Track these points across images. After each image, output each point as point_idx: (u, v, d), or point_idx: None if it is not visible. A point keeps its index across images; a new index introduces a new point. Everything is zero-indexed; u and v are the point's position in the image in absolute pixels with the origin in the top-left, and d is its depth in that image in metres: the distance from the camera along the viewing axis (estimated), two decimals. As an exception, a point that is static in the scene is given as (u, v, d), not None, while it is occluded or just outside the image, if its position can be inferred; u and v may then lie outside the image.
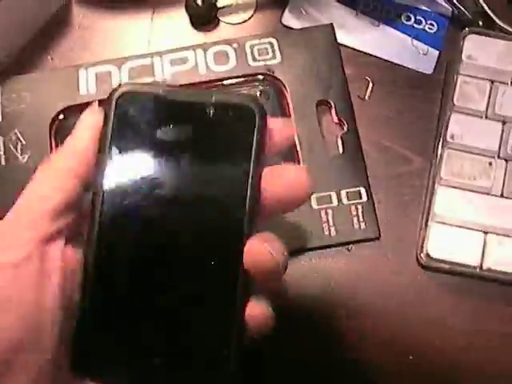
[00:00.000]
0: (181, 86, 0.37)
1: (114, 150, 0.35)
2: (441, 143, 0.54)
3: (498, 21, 0.57)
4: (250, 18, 0.59)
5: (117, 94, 0.35)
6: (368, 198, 0.53)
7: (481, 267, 0.52)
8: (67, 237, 0.36)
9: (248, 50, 0.56)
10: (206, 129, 0.35)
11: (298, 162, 0.53)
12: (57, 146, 0.54)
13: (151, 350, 0.35)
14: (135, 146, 0.35)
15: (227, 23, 0.59)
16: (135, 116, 0.35)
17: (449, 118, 0.54)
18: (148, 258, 0.35)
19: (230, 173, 0.35)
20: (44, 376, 0.34)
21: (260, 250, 0.34)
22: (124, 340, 0.35)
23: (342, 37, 0.58)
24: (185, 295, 0.35)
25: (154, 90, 0.35)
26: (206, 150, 0.35)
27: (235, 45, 0.56)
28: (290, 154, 0.53)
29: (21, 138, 0.54)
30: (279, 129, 0.37)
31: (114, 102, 0.35)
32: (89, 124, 0.37)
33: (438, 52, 0.58)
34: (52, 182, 0.36)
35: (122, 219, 0.35)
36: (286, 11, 0.59)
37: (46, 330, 0.34)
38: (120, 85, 0.36)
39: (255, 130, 0.35)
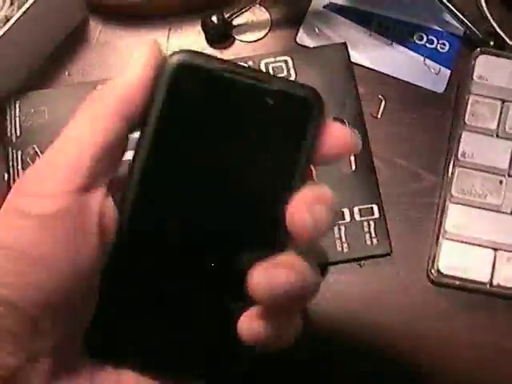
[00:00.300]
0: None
1: (161, 124, 0.33)
2: (452, 161, 0.55)
3: (509, 41, 0.58)
4: (264, 37, 0.60)
5: (172, 63, 0.33)
6: (380, 215, 0.54)
7: (490, 283, 0.52)
8: (109, 186, 0.33)
9: (263, 68, 0.57)
10: (259, 114, 0.33)
11: (312, 179, 0.54)
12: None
13: (175, 333, 0.34)
14: (183, 122, 0.33)
15: (242, 41, 0.60)
16: (188, 90, 0.33)
17: (460, 137, 0.55)
18: (184, 237, 0.34)
19: (279, 162, 0.33)
20: (70, 341, 0.32)
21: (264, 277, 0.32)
22: (148, 322, 0.34)
23: (356, 55, 0.59)
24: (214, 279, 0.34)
25: (212, 65, 0.33)
26: (257, 135, 0.33)
27: (250, 62, 0.57)
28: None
29: (39, 153, 0.55)
30: (338, 135, 0.34)
31: (167, 71, 0.33)
32: (141, 58, 0.33)
33: (449, 71, 0.59)
34: (94, 122, 0.32)
35: (161, 189, 0.33)
36: (301, 30, 0.60)
37: (79, 293, 0.31)
38: (176, 52, 0.33)
39: (311, 123, 0.33)
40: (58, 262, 0.31)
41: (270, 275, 0.31)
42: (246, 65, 0.57)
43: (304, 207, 0.32)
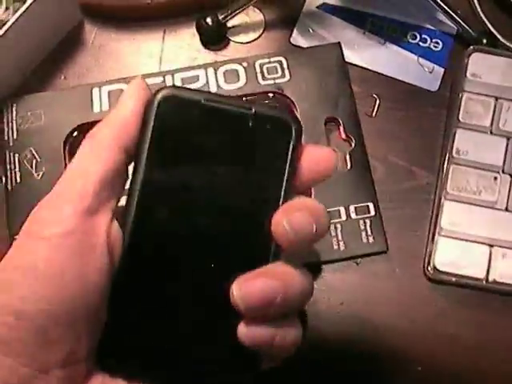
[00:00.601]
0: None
1: (153, 153, 0.35)
2: (447, 159, 0.55)
3: (501, 39, 0.59)
4: (259, 37, 0.60)
5: (158, 97, 0.35)
6: (376, 213, 0.54)
7: (486, 279, 0.52)
8: (114, 211, 0.36)
9: (258, 69, 0.57)
10: (241, 137, 0.36)
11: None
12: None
13: (184, 346, 0.36)
14: (173, 149, 0.35)
15: (237, 42, 0.60)
16: (175, 120, 0.35)
17: (454, 134, 0.55)
18: (181, 255, 0.36)
19: (263, 182, 0.35)
20: (82, 353, 0.34)
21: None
22: (156, 335, 0.36)
23: (350, 55, 0.59)
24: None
25: (196, 97, 0.36)
26: (241, 157, 0.36)
27: (245, 63, 0.57)
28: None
29: (36, 155, 0.55)
30: (317, 158, 0.37)
31: (155, 105, 0.35)
32: (132, 95, 0.36)
33: (443, 70, 0.59)
34: (95, 153, 0.35)
35: (157, 215, 0.36)
36: (295, 30, 0.60)
37: (88, 307, 0.33)
38: (162, 88, 0.36)
39: (291, 143, 0.36)
40: (68, 277, 0.33)
41: (246, 286, 0.34)
42: (238, 66, 0.58)
43: (283, 214, 0.35)
